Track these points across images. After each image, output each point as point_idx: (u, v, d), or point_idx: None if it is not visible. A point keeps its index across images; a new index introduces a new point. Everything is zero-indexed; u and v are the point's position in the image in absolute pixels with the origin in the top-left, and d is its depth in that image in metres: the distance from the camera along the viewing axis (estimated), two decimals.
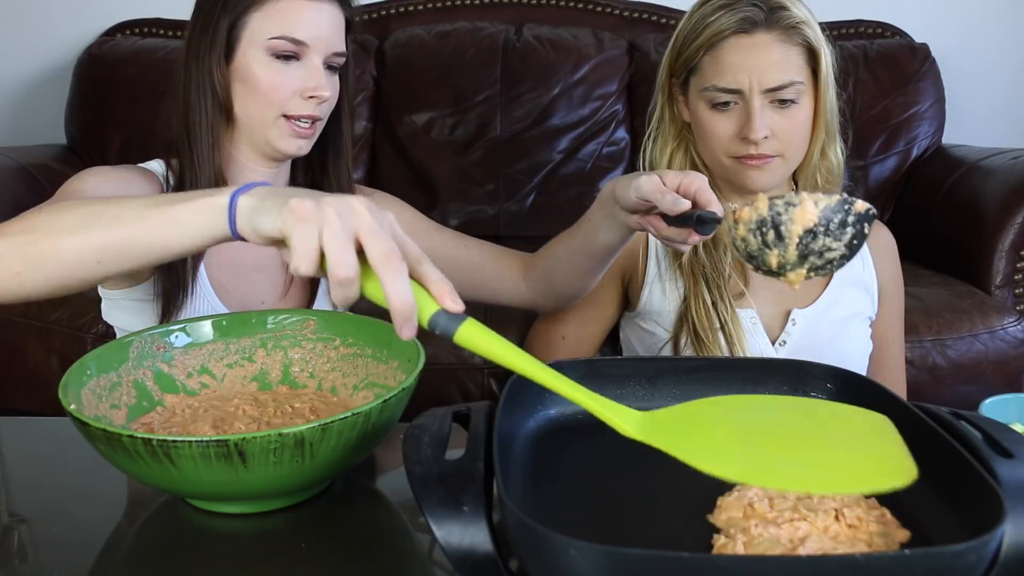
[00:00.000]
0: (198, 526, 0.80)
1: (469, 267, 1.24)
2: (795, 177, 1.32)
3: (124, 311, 1.19)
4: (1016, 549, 0.60)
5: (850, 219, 0.76)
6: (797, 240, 0.76)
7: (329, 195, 0.70)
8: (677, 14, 2.47)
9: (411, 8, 2.50)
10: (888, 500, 0.69)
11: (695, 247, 1.23)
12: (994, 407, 0.92)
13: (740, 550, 0.63)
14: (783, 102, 1.21)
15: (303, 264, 0.68)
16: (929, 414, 0.74)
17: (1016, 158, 1.92)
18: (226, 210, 0.75)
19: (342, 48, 1.17)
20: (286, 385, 0.96)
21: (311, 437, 0.72)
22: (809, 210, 0.76)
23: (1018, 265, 1.81)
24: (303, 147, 1.16)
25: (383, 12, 2.51)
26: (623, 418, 0.69)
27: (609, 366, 0.86)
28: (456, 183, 2.31)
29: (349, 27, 1.19)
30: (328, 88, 1.14)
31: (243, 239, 0.76)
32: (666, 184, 0.96)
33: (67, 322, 1.79)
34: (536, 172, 2.32)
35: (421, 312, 0.68)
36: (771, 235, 0.77)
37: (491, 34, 2.38)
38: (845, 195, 0.77)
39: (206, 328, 0.96)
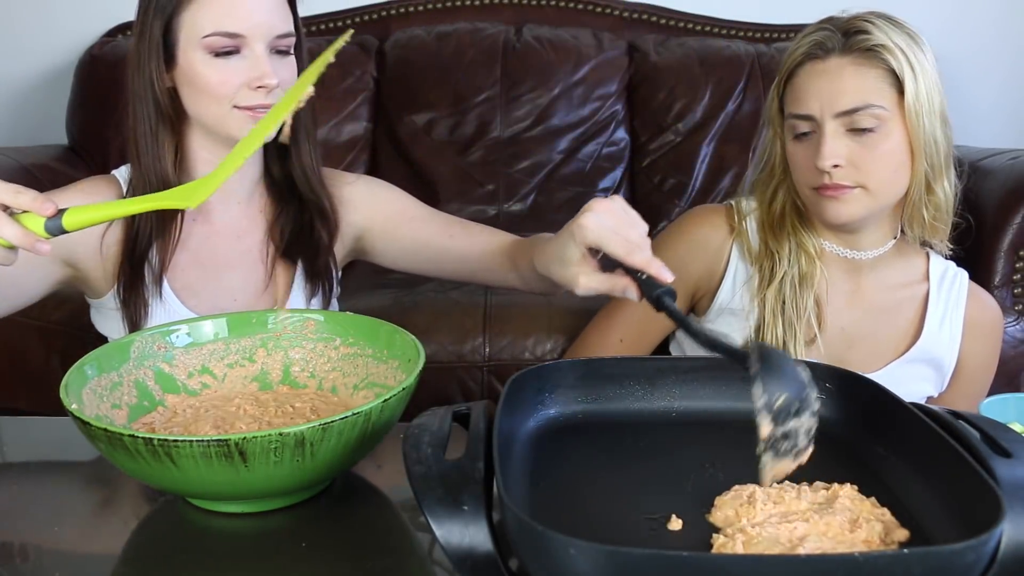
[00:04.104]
0: (198, 526, 0.80)
1: (456, 258, 1.22)
2: (902, 219, 1.23)
3: (106, 318, 1.19)
4: (1014, 548, 0.60)
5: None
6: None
7: None
8: (677, 14, 2.48)
9: (411, 8, 2.50)
10: (888, 500, 0.69)
11: (781, 280, 1.20)
12: (993, 407, 0.92)
13: (739, 550, 0.63)
14: (862, 130, 1.14)
15: None
16: (928, 414, 0.74)
17: (1015, 158, 1.92)
18: None
19: (286, 29, 1.11)
20: (287, 385, 0.97)
21: (311, 437, 0.73)
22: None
23: (1017, 265, 1.81)
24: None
25: (383, 12, 2.51)
26: (177, 198, 0.87)
27: (609, 366, 0.86)
28: (456, 183, 2.31)
29: (294, 2, 1.14)
30: (274, 75, 1.08)
31: None
32: (581, 258, 0.87)
33: (68, 322, 1.79)
34: (536, 172, 2.32)
35: (38, 230, 0.82)
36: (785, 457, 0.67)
37: (491, 34, 2.38)
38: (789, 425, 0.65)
39: (207, 328, 0.96)
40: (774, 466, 0.65)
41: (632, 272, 0.82)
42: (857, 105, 1.14)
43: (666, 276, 0.81)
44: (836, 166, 1.14)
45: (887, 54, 1.14)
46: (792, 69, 1.19)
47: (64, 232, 0.84)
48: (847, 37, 1.16)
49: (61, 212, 0.83)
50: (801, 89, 1.18)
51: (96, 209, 0.85)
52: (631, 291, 0.83)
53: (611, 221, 0.86)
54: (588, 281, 0.88)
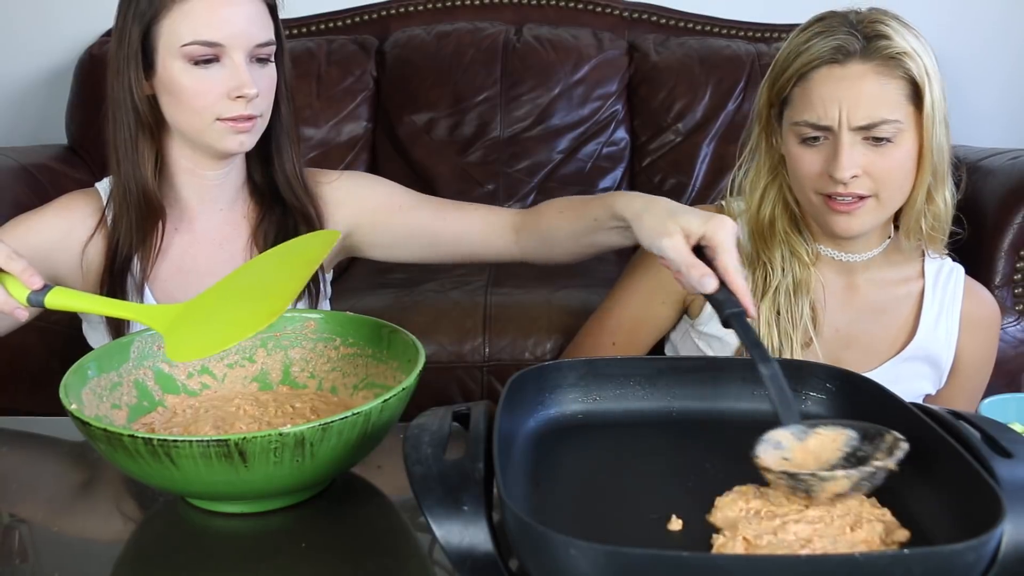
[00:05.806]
0: (198, 526, 0.80)
1: (453, 239, 1.21)
2: (896, 221, 1.21)
3: (95, 331, 1.20)
4: (1015, 549, 0.60)
5: (877, 478, 0.69)
6: (829, 497, 0.69)
7: None
8: (677, 14, 2.48)
9: (411, 8, 2.50)
10: (888, 500, 0.69)
11: (776, 290, 1.19)
12: (993, 407, 0.92)
13: (739, 550, 0.63)
14: (877, 140, 1.12)
15: None
16: (929, 414, 0.74)
17: (1016, 158, 1.92)
18: None
19: (266, 38, 1.10)
20: (287, 385, 0.96)
21: (311, 437, 0.73)
22: (841, 484, 0.68)
23: (1018, 265, 1.81)
24: (246, 142, 1.11)
25: (383, 12, 2.51)
26: (165, 328, 0.86)
27: (609, 366, 0.86)
28: (456, 183, 2.31)
29: (275, 10, 1.13)
30: (253, 84, 1.07)
31: None
32: (692, 233, 0.89)
33: (68, 322, 1.78)
34: (536, 172, 2.32)
35: (20, 297, 0.89)
36: (800, 492, 0.69)
37: (491, 34, 2.38)
38: (878, 464, 0.69)
39: None
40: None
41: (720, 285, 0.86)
42: (875, 120, 1.11)
43: (753, 310, 0.85)
44: (853, 177, 1.12)
45: (909, 61, 1.12)
46: (804, 72, 1.15)
47: (43, 308, 0.91)
48: (868, 41, 1.12)
49: (47, 288, 0.90)
50: (816, 95, 1.13)
51: (81, 298, 0.92)
52: (708, 281, 0.86)
53: (735, 240, 0.89)
54: (678, 247, 0.90)
